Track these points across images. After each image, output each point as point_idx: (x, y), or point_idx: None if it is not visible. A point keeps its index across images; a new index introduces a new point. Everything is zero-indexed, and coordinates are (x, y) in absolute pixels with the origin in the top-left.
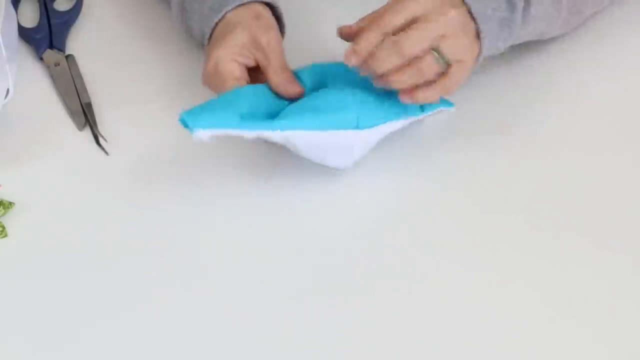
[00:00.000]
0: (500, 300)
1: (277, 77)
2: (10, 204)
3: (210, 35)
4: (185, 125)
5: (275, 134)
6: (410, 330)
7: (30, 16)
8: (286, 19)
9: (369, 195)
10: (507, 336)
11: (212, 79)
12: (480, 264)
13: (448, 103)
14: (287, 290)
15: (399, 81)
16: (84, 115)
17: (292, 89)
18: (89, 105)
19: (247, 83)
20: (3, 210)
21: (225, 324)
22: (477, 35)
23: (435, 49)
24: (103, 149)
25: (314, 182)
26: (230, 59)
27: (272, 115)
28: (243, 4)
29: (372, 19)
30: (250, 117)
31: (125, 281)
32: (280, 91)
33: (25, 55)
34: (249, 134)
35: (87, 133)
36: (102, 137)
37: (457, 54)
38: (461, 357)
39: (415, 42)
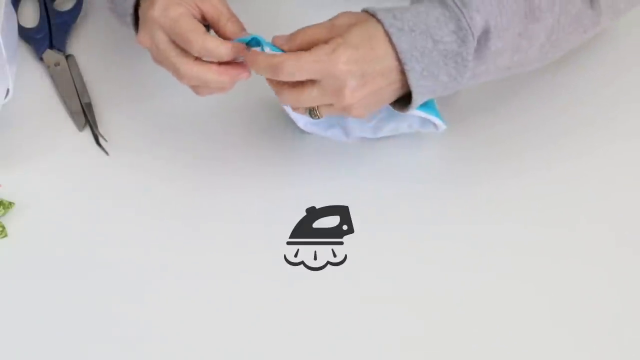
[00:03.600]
0: (499, 301)
1: (233, 26)
2: (10, 204)
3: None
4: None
5: None
6: (408, 332)
7: (30, 16)
8: (274, 24)
9: (367, 195)
10: (508, 337)
11: (169, 43)
12: (479, 266)
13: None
14: (285, 288)
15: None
16: (84, 115)
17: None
18: (89, 105)
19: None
20: (3, 210)
21: (224, 324)
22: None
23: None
24: (103, 149)
25: (313, 183)
26: (181, 11)
27: None
28: None
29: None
30: None
31: (125, 281)
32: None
33: (25, 55)
34: None
35: (87, 133)
36: (102, 137)
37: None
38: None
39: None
